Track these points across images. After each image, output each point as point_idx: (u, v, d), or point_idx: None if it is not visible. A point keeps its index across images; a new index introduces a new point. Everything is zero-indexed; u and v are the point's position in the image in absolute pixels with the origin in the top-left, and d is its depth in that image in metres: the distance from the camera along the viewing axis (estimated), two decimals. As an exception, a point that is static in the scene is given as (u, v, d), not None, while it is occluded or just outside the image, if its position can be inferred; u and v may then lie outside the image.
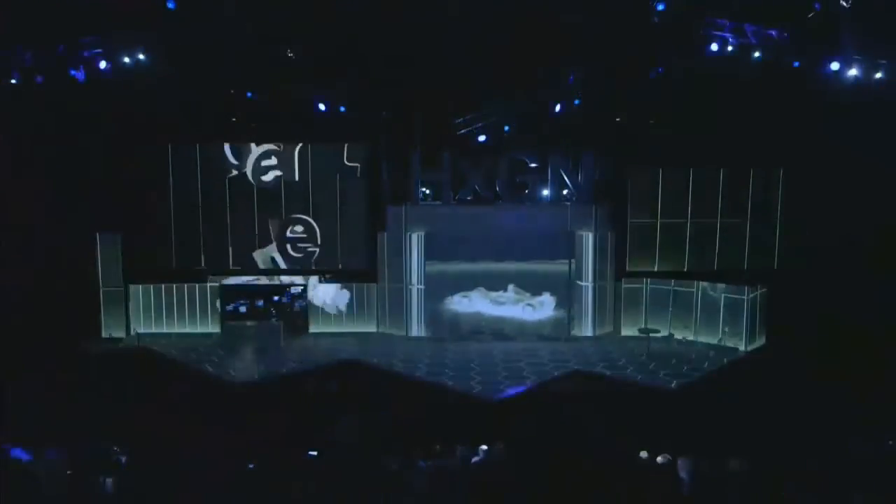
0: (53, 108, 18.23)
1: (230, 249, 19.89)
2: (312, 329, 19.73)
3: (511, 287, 22.32)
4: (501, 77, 19.14)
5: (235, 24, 17.01)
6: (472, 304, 21.81)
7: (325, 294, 19.90)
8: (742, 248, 19.82)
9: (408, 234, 19.20)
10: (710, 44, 17.51)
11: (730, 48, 17.29)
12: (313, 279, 19.98)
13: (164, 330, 19.56)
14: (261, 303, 19.53)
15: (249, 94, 19.88)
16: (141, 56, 17.26)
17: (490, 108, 20.04)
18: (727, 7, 16.85)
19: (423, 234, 19.14)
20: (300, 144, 19.88)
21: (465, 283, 22.67)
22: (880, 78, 16.87)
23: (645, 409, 14.29)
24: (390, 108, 20.16)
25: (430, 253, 19.37)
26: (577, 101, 19.98)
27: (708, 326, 18.43)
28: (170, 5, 16.14)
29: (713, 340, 18.23)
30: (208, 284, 19.64)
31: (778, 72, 17.69)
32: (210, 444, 10.51)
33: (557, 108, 19.99)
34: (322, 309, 19.85)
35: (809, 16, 16.33)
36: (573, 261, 19.24)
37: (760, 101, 18.76)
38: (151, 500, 8.75)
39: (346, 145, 19.94)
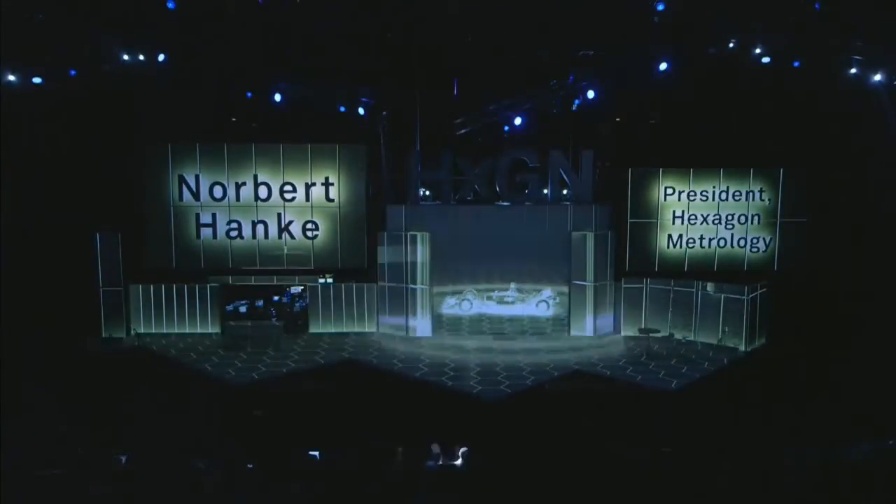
0: (54, 109, 18.27)
1: (230, 249, 19.89)
2: (312, 329, 19.72)
3: (513, 286, 22.39)
4: (502, 77, 19.20)
5: (235, 25, 17.04)
6: (471, 304, 21.86)
7: None
8: (743, 248, 19.86)
9: (408, 233, 19.16)
10: (709, 44, 17.56)
11: (730, 45, 17.33)
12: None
13: (164, 330, 19.56)
14: (261, 303, 19.52)
15: (249, 94, 19.90)
16: (141, 56, 17.29)
17: (490, 108, 20.09)
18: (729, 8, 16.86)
19: (427, 234, 19.08)
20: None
21: (465, 283, 22.75)
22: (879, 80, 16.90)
23: (645, 409, 14.30)
24: (390, 108, 20.20)
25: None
26: (577, 101, 20.00)
27: (708, 326, 18.42)
28: (170, 5, 16.15)
29: (713, 340, 18.23)
30: (209, 285, 19.63)
31: (778, 73, 17.74)
32: (209, 444, 10.51)
33: (556, 104, 20.07)
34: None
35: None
36: (573, 261, 19.21)
37: (760, 101, 18.82)
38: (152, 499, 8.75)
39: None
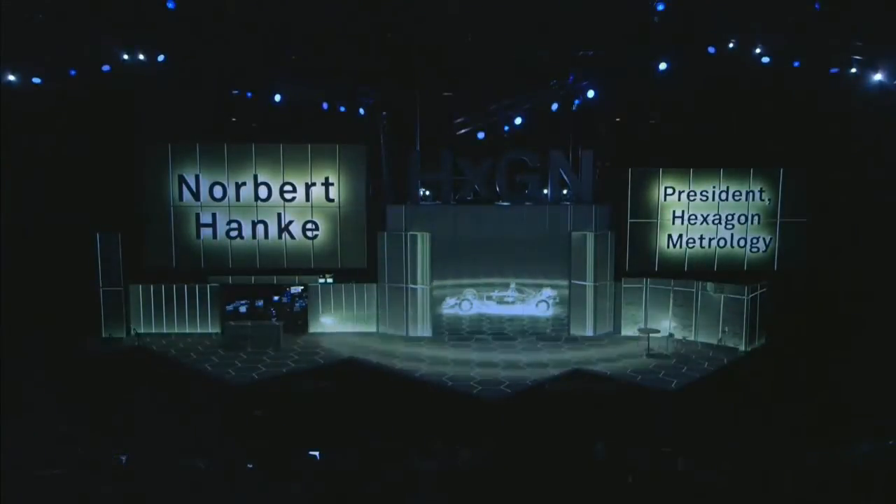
0: (54, 109, 18.25)
1: (230, 249, 19.89)
2: (312, 329, 19.71)
3: (513, 286, 22.40)
4: (502, 77, 19.19)
5: (236, 25, 17.04)
6: (471, 304, 21.87)
7: None
8: (743, 248, 19.88)
9: (408, 233, 19.16)
10: (709, 44, 17.56)
11: (730, 45, 17.34)
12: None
13: (164, 330, 19.55)
14: (261, 303, 19.52)
15: (249, 95, 19.89)
16: (141, 56, 17.30)
17: (491, 107, 20.09)
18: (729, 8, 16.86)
19: (427, 234, 19.08)
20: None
21: (465, 283, 22.76)
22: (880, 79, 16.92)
23: (645, 409, 14.30)
24: (390, 108, 20.19)
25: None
26: (577, 101, 20.00)
27: (708, 326, 18.42)
28: (170, 5, 16.15)
29: (713, 340, 18.22)
30: (209, 285, 19.63)
31: (778, 73, 17.74)
32: (209, 444, 10.51)
33: (555, 106, 20.07)
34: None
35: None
36: (573, 261, 19.22)
37: (760, 101, 18.82)
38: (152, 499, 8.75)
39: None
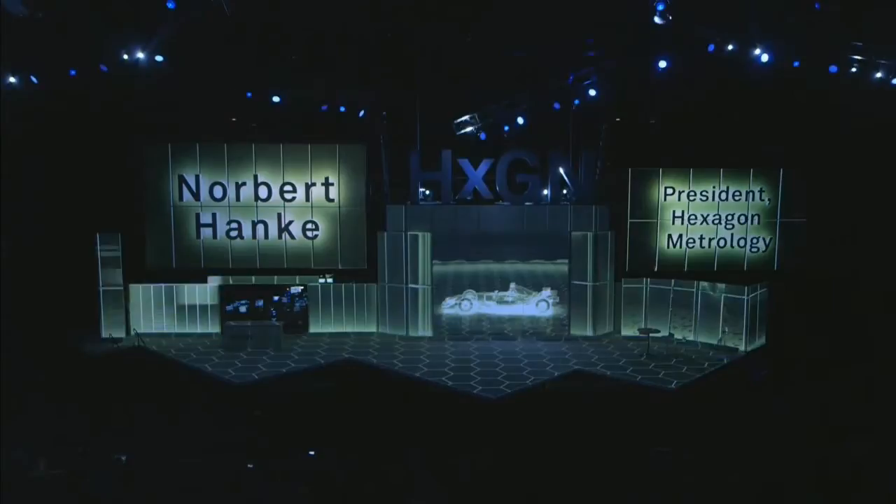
0: (54, 109, 18.27)
1: (230, 249, 19.89)
2: (312, 329, 19.71)
3: (513, 286, 22.42)
4: (502, 77, 19.20)
5: (236, 24, 17.04)
6: (471, 304, 21.89)
7: None
8: (743, 248, 19.88)
9: (408, 233, 19.18)
10: (709, 44, 17.56)
11: (730, 47, 17.34)
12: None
13: (164, 330, 19.55)
14: (261, 303, 19.52)
15: (249, 94, 19.90)
16: (140, 55, 17.30)
17: (490, 108, 20.07)
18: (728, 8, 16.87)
19: (427, 234, 19.09)
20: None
21: (464, 283, 22.78)
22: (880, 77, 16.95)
23: (645, 409, 14.30)
24: (390, 108, 20.19)
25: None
26: (576, 101, 19.99)
27: (708, 326, 18.42)
28: (170, 5, 16.16)
29: (713, 340, 18.22)
30: (208, 285, 19.64)
31: (778, 72, 17.75)
32: (209, 444, 10.53)
33: (555, 106, 20.07)
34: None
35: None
36: (572, 261, 19.22)
37: (760, 101, 18.83)
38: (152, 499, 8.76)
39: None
